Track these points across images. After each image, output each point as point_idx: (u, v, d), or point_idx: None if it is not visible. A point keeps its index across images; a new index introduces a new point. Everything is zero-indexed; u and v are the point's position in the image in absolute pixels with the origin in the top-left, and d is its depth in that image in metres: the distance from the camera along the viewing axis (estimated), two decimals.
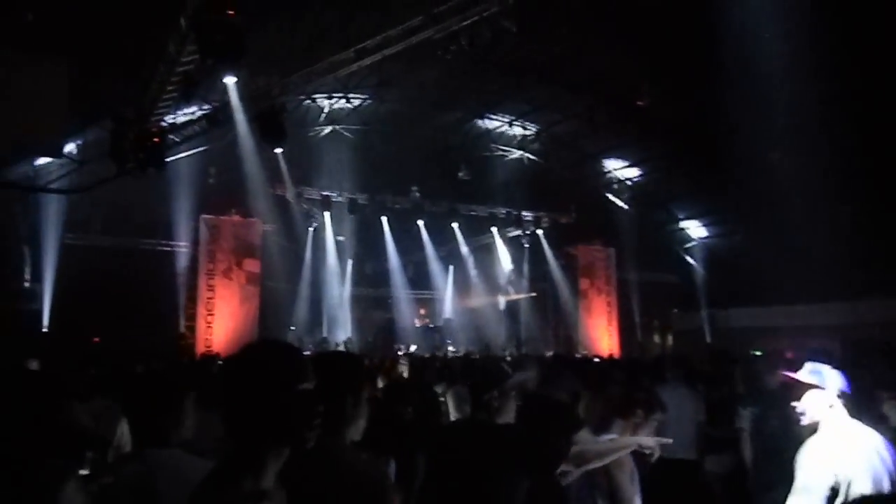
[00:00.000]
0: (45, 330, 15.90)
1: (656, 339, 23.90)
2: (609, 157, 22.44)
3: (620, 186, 23.13)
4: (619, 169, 22.86)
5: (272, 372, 1.75)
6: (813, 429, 3.46)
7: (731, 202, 20.28)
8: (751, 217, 19.61)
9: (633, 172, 22.84)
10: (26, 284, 16.37)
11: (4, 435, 1.22)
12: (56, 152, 11.86)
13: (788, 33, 11.42)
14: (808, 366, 3.51)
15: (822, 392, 3.41)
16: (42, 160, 14.53)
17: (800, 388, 3.47)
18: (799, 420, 3.51)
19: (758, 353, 11.42)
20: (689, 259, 23.67)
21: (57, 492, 1.26)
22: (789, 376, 3.53)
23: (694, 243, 23.76)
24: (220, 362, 8.84)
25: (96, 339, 15.58)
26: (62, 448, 1.31)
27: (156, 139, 11.98)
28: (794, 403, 3.49)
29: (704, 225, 23.49)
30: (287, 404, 1.71)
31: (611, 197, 23.02)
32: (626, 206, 22.97)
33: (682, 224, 23.82)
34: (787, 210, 15.92)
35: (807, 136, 13.58)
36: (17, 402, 1.29)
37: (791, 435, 4.10)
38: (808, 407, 3.44)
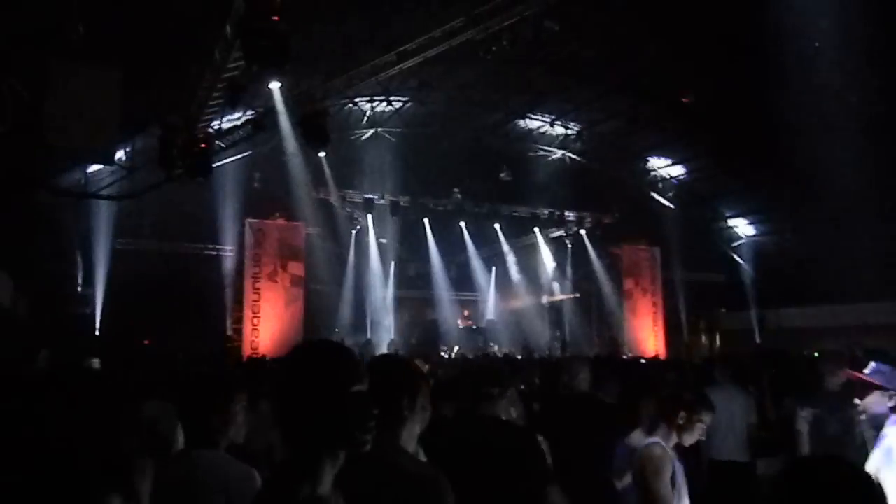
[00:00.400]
0: (97, 333, 16.30)
1: (703, 339, 23.45)
2: (653, 155, 22.18)
3: (665, 185, 22.85)
4: (663, 167, 22.56)
5: (325, 373, 1.71)
6: (875, 429, 3.36)
7: (780, 200, 19.84)
8: (800, 215, 19.17)
9: (678, 170, 22.52)
10: (79, 289, 16.83)
11: (90, 436, 1.23)
12: (107, 159, 12.11)
13: (841, 26, 11.12)
14: (873, 365, 3.41)
15: (886, 391, 3.31)
16: (93, 167, 14.90)
17: (862, 388, 3.37)
18: (860, 422, 3.42)
19: (816, 354, 11.14)
20: (736, 258, 23.23)
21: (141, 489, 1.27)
22: (854, 374, 3.44)
23: (742, 242, 23.33)
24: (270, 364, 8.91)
25: (146, 342, 15.94)
26: (145, 448, 1.32)
27: (203, 145, 12.14)
28: (856, 401, 3.40)
29: (752, 223, 23.05)
30: (342, 406, 1.66)
31: (655, 195, 22.72)
32: (670, 205, 22.65)
33: (730, 222, 23.43)
34: (837, 207, 15.54)
35: (859, 131, 13.21)
36: (100, 402, 1.30)
37: (851, 438, 3.99)
38: (872, 405, 3.35)
